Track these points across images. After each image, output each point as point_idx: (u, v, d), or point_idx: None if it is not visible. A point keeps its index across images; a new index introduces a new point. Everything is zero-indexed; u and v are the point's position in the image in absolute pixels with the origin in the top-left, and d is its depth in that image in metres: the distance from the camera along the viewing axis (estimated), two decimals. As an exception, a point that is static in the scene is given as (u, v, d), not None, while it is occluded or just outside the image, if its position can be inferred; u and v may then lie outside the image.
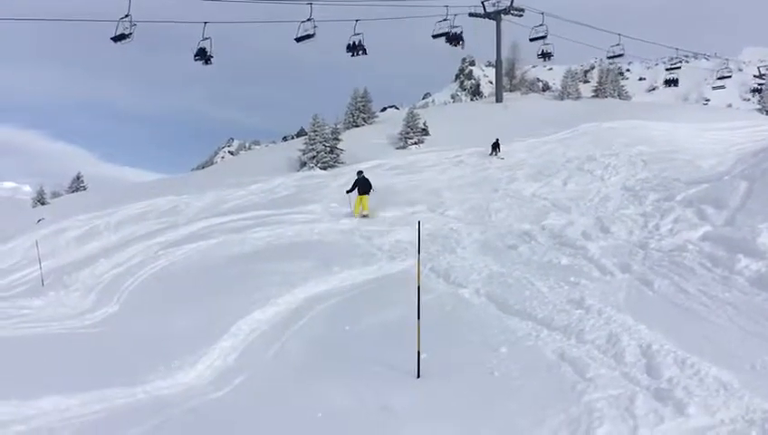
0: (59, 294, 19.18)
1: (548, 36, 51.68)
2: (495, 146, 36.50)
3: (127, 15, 13.88)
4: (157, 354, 11.63)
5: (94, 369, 10.84)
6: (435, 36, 45.08)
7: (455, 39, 46.01)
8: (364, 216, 23.06)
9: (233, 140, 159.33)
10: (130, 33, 14.21)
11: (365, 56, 35.77)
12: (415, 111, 47.96)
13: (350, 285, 14.96)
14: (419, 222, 10.84)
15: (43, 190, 61.56)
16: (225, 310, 13.61)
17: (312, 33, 21.59)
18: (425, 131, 44.42)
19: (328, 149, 40.04)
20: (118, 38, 14.08)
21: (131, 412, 8.87)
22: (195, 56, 15.69)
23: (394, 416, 8.00)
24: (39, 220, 38.23)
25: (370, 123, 54.15)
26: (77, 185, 66.92)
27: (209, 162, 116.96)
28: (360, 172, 25.05)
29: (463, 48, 47.86)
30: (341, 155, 40.30)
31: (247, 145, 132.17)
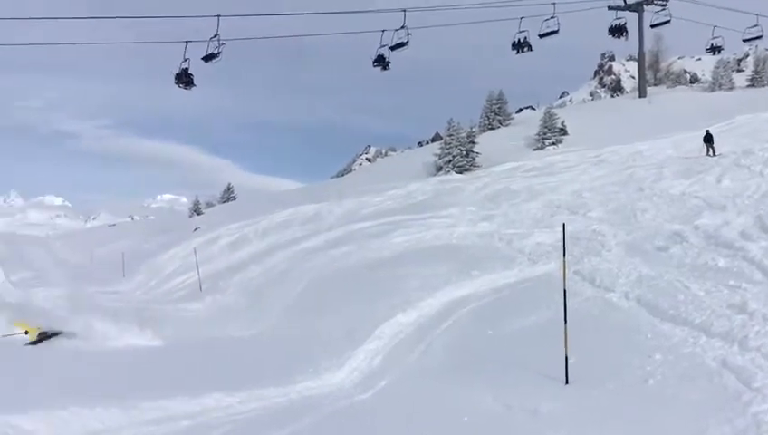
0: (215, 298, 20.53)
1: (671, 21, 48.21)
2: (708, 140, 31.02)
3: (216, 35, 14.57)
4: (306, 356, 12.12)
5: (250, 369, 11.47)
6: (542, 36, 42.62)
7: (618, 30, 44.27)
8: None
9: (370, 147, 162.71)
10: (219, 53, 14.89)
11: (526, 53, 34.65)
12: (552, 110, 46.70)
13: (490, 289, 14.82)
14: (564, 224, 10.54)
15: (198, 201, 66.06)
16: (368, 313, 13.94)
17: (405, 41, 21.09)
18: (563, 131, 43.10)
19: (464, 152, 39.90)
20: (208, 58, 14.82)
21: (285, 411, 9.27)
22: (373, 63, 15.95)
23: (543, 421, 7.82)
24: (195, 229, 41.03)
25: (506, 125, 53.33)
26: (228, 195, 71.18)
27: (347, 169, 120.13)
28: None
29: (627, 39, 45.99)
30: (477, 158, 40.00)
31: (384, 152, 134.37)
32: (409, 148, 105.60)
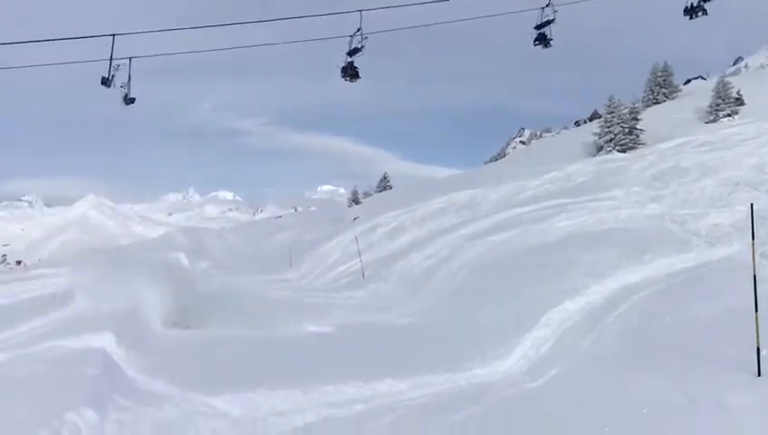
0: (378, 286, 21.09)
1: None
2: None
3: (359, 30, 14.56)
4: (471, 343, 12.14)
5: (418, 356, 11.68)
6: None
7: None
8: None
9: (523, 129, 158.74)
10: (363, 47, 14.87)
11: (701, 17, 32.29)
12: (725, 79, 43.00)
13: (665, 274, 13.96)
14: (752, 204, 9.69)
15: (356, 191, 68.39)
16: (533, 300, 13.68)
17: (552, 18, 19.61)
18: (739, 101, 39.57)
19: (626, 130, 37.87)
20: (352, 52, 14.86)
21: (454, 398, 9.33)
22: (534, 42, 15.52)
23: (732, 415, 7.28)
24: (355, 218, 42.50)
25: (672, 98, 49.94)
26: (384, 184, 72.99)
27: (501, 154, 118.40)
28: None
29: None
30: (641, 135, 37.81)
31: (538, 133, 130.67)
32: (565, 128, 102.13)
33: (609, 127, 38.76)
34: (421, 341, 13.52)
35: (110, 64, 13.65)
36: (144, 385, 8.65)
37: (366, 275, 23.72)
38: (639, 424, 7.63)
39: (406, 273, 21.36)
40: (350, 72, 14.55)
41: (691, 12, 16.33)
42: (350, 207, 64.37)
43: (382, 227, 33.29)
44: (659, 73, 50.76)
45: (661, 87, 50.19)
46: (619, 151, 36.87)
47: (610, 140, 38.20)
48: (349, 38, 15.22)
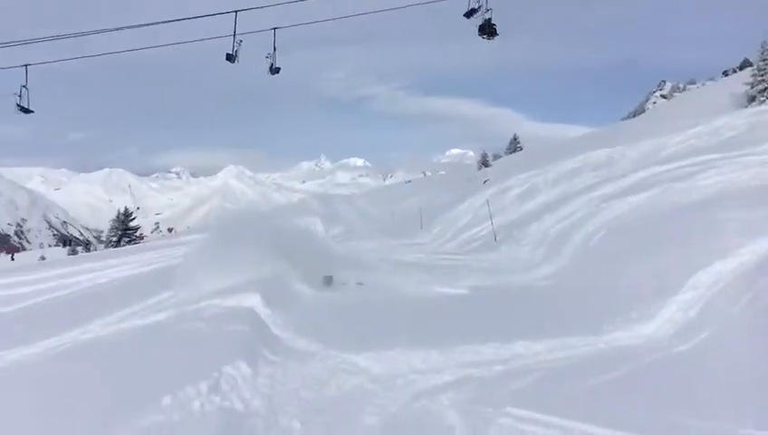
0: (511, 248, 20.86)
1: None
2: None
3: None
4: (611, 306, 11.74)
5: (555, 318, 11.48)
6: None
7: None
8: None
9: (664, 82, 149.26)
10: (480, 7, 14.21)
11: None
12: None
13: (831, 232, 12.69)
14: None
15: (485, 153, 67.58)
16: (678, 262, 12.95)
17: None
18: None
19: (782, 77, 34.64)
20: (469, 14, 14.25)
21: (595, 360, 9.08)
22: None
23: None
24: (485, 181, 42.07)
25: (838, 39, 44.91)
26: (514, 146, 71.57)
27: (639, 110, 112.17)
28: None
29: None
30: (800, 82, 34.46)
31: (681, 86, 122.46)
32: (712, 79, 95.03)
33: (762, 75, 35.56)
34: (558, 303, 13.26)
35: (234, 41, 14.06)
36: (289, 342, 9.12)
37: (498, 237, 23.52)
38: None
39: (539, 235, 20.93)
40: (488, 30, 14.19)
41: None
42: (479, 169, 63.76)
43: (513, 190, 32.78)
44: (822, 13, 45.74)
45: (824, 28, 45.21)
46: (775, 101, 33.82)
47: (764, 89, 35.07)
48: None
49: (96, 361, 7.98)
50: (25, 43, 13.13)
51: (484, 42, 15.35)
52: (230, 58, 14.26)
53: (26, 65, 13.64)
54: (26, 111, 14.32)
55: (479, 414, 6.68)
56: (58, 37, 13.12)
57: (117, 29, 13.31)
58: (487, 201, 29.19)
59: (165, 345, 8.17)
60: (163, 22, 13.71)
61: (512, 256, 20.11)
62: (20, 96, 13.95)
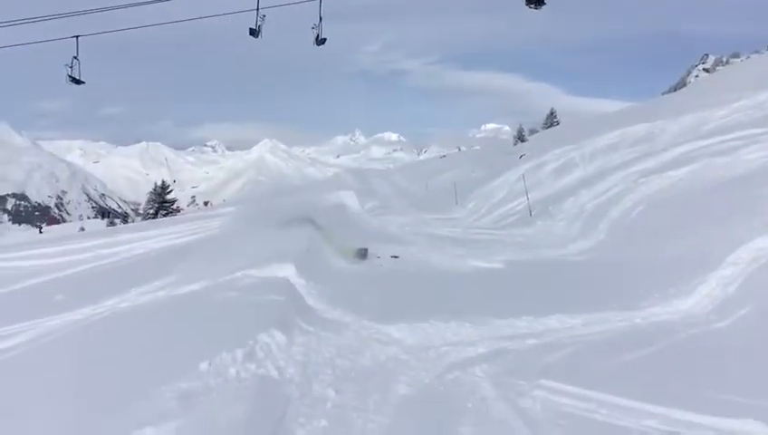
0: (546, 224, 20.67)
1: None
2: None
3: None
4: (649, 281, 11.57)
5: (591, 292, 11.37)
6: None
7: None
8: None
9: (707, 55, 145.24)
10: None
11: None
12: None
13: None
14: None
15: (521, 128, 66.81)
16: (718, 237, 12.69)
17: None
18: None
19: (833, 48, 33.36)
20: None
21: (631, 335, 8.99)
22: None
23: None
24: (521, 156, 41.55)
25: None
26: (551, 120, 70.52)
27: (681, 84, 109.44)
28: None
29: None
30: None
31: (725, 60, 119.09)
32: (757, 52, 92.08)
33: (812, 46, 34.31)
34: (594, 278, 13.13)
35: (257, 15, 13.97)
36: (323, 313, 9.20)
37: (533, 212, 23.31)
38: None
39: (575, 210, 20.68)
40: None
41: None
42: (515, 144, 63.06)
43: (549, 165, 32.34)
44: None
45: None
46: (824, 73, 32.61)
47: (813, 61, 33.85)
48: None
49: (134, 328, 8.17)
50: (73, 14, 13.34)
51: (527, 11, 15.02)
52: (253, 33, 14.25)
53: (77, 36, 13.94)
54: (78, 81, 14.72)
55: (512, 386, 6.68)
56: (107, 9, 13.26)
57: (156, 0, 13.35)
58: (523, 176, 28.91)
59: (201, 314, 8.32)
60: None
61: (547, 231, 19.94)
62: (71, 67, 14.26)
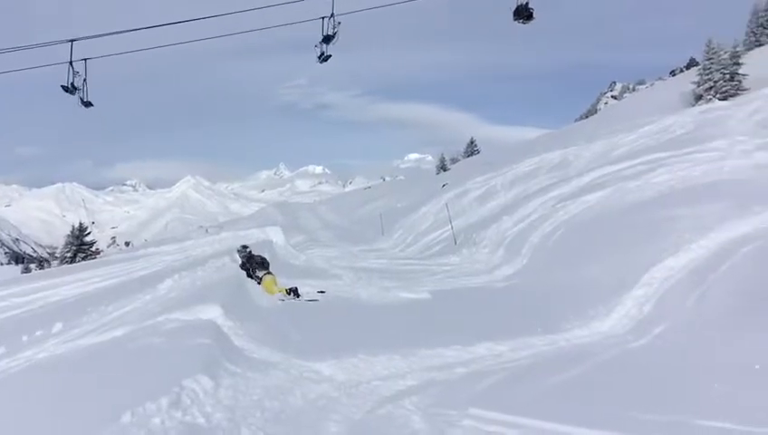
0: (471, 251, 21.05)
1: None
2: None
3: None
4: (570, 304, 11.98)
5: (516, 318, 11.65)
6: None
7: None
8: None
9: (615, 83, 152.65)
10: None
11: None
12: (837, 12, 39.65)
13: (777, 225, 13.16)
14: None
15: (443, 157, 68.09)
16: (632, 259, 13.29)
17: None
18: None
19: (727, 76, 35.64)
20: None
21: (555, 359, 9.26)
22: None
23: None
24: (443, 185, 42.33)
25: (778, 38, 46.62)
26: (471, 149, 72.23)
27: (592, 111, 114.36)
28: (245, 247, 16.62)
29: None
30: (744, 81, 35.52)
31: (631, 87, 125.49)
32: (661, 79, 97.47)
33: (708, 74, 36.62)
34: (518, 303, 13.45)
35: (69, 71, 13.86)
36: (251, 353, 9.03)
37: (458, 241, 23.71)
38: (751, 380, 7.35)
39: (498, 237, 21.17)
40: (525, 14, 14.06)
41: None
42: (438, 174, 64.18)
43: (472, 193, 33.11)
44: (762, 14, 47.33)
45: (764, 28, 46.85)
46: (720, 99, 34.81)
47: (710, 87, 36.10)
48: None
49: (52, 380, 7.80)
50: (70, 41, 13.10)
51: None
52: (67, 90, 14.09)
53: (86, 59, 13.75)
54: (88, 104, 14.51)
55: (442, 417, 6.73)
56: (22, 48, 12.94)
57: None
58: (446, 205, 29.43)
59: (123, 362, 8.02)
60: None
61: (472, 259, 20.31)
62: (74, 88, 14.04)
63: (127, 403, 6.11)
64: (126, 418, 5.87)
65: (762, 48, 45.44)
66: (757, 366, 7.64)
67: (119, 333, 9.71)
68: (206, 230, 48.66)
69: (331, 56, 14.43)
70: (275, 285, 14.61)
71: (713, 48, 37.84)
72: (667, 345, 9.50)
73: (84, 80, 14.21)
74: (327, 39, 13.96)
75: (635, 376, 8.34)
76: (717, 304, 10.39)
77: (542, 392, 7.58)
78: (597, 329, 10.59)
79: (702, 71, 37.65)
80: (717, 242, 12.99)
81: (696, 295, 10.91)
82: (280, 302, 13.58)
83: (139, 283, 14.56)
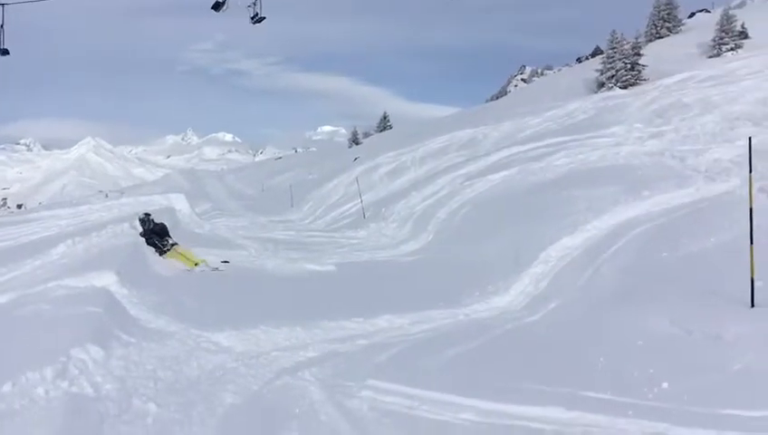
0: (379, 225, 21.20)
1: None
2: None
3: None
4: (471, 280, 12.29)
5: (418, 292, 11.84)
6: None
7: None
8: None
9: (525, 67, 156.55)
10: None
11: None
12: (730, 11, 42.02)
13: (663, 209, 13.95)
14: (750, 138, 9.63)
15: (356, 131, 67.93)
16: (532, 237, 13.77)
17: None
18: (743, 34, 38.81)
19: (628, 65, 37.31)
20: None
21: (454, 332, 9.48)
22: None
23: (727, 346, 7.40)
24: (355, 159, 42.33)
25: (676, 32, 48.98)
26: (384, 124, 72.46)
27: (502, 92, 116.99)
28: (147, 215, 15.50)
29: None
30: (644, 71, 37.28)
31: (539, 71, 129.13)
32: (567, 65, 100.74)
33: (610, 63, 38.20)
34: (422, 278, 13.68)
35: None
36: (146, 323, 8.77)
37: (367, 215, 23.81)
38: (634, 355, 7.76)
39: (406, 212, 21.43)
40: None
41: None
42: (350, 147, 64.04)
43: (383, 168, 33.28)
44: (662, 7, 49.63)
45: (665, 21, 49.17)
46: (620, 88, 36.42)
47: (612, 76, 37.70)
48: None
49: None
50: None
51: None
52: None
53: (3, 4, 12.66)
54: (4, 51, 13.31)
55: (341, 388, 6.78)
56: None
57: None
58: (357, 179, 29.45)
59: (6, 330, 7.60)
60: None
61: (380, 233, 20.46)
62: None
63: (8, 373, 5.80)
64: (6, 388, 5.58)
65: (662, 40, 47.71)
66: (640, 342, 8.08)
67: (2, 299, 9.18)
68: (106, 195, 46.72)
69: (265, 18, 14.01)
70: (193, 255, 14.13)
71: (616, 38, 39.44)
72: (559, 320, 9.90)
73: (1, 26, 13.32)
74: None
75: (528, 350, 8.67)
76: (607, 282, 10.94)
77: (438, 364, 7.76)
78: (496, 304, 10.93)
79: (605, 59, 39.21)
80: (610, 224, 13.65)
81: (588, 274, 11.44)
82: (183, 272, 13.23)
83: (29, 247, 13.81)
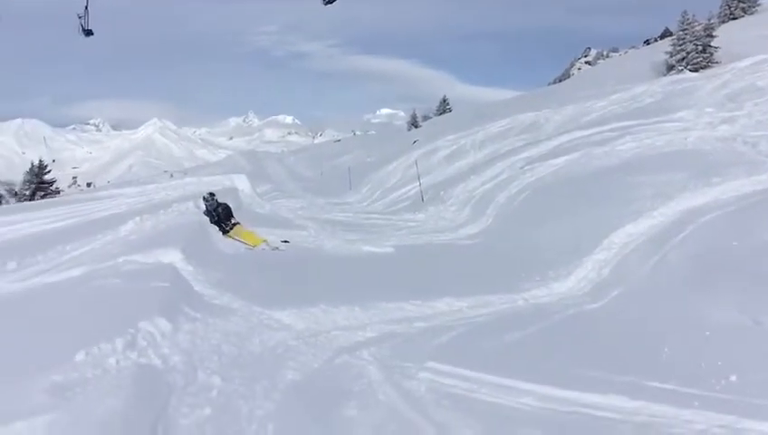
0: (438, 209, 21.13)
1: None
2: None
3: None
4: (531, 265, 12.14)
5: (477, 276, 11.77)
6: None
7: None
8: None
9: (590, 49, 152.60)
10: None
11: None
12: (811, -10, 39.97)
13: (734, 196, 13.42)
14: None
15: (415, 114, 67.69)
16: (595, 223, 13.48)
17: None
18: (825, 14, 36.92)
19: (699, 48, 35.93)
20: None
21: (514, 317, 9.41)
22: None
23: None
24: (414, 142, 42.20)
25: (751, 13, 46.85)
26: (443, 107, 71.91)
27: (565, 75, 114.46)
28: (212, 195, 15.67)
29: None
30: (716, 53, 35.83)
31: (605, 53, 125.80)
32: (634, 47, 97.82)
33: (681, 45, 36.88)
34: (480, 262, 13.59)
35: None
36: (211, 299, 8.98)
37: (425, 198, 23.76)
38: (701, 346, 7.54)
39: (465, 196, 21.28)
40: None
41: None
42: (409, 130, 63.87)
43: (441, 151, 33.09)
44: (737, -13, 47.59)
45: (739, 1, 47.09)
46: (691, 71, 35.13)
47: (682, 59, 36.40)
48: None
49: (4, 318, 7.68)
50: None
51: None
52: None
53: None
54: (89, 32, 14.09)
55: (399, 369, 6.81)
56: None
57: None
58: (416, 162, 29.38)
59: (79, 302, 7.91)
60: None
61: (438, 216, 20.40)
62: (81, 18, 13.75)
63: (81, 343, 6.04)
64: (80, 357, 5.81)
65: (735, 21, 45.74)
66: (708, 332, 7.85)
67: (75, 273, 9.56)
68: (171, 175, 47.99)
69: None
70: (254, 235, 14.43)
71: (687, 19, 38.01)
72: (622, 308, 9.70)
73: (86, 7, 13.90)
74: None
75: (589, 337, 8.53)
76: (673, 271, 10.62)
77: (497, 349, 7.71)
78: (556, 290, 10.77)
79: (675, 41, 37.87)
80: (677, 211, 13.23)
81: (653, 262, 11.13)
82: (245, 250, 13.50)
83: (100, 223, 14.32)
